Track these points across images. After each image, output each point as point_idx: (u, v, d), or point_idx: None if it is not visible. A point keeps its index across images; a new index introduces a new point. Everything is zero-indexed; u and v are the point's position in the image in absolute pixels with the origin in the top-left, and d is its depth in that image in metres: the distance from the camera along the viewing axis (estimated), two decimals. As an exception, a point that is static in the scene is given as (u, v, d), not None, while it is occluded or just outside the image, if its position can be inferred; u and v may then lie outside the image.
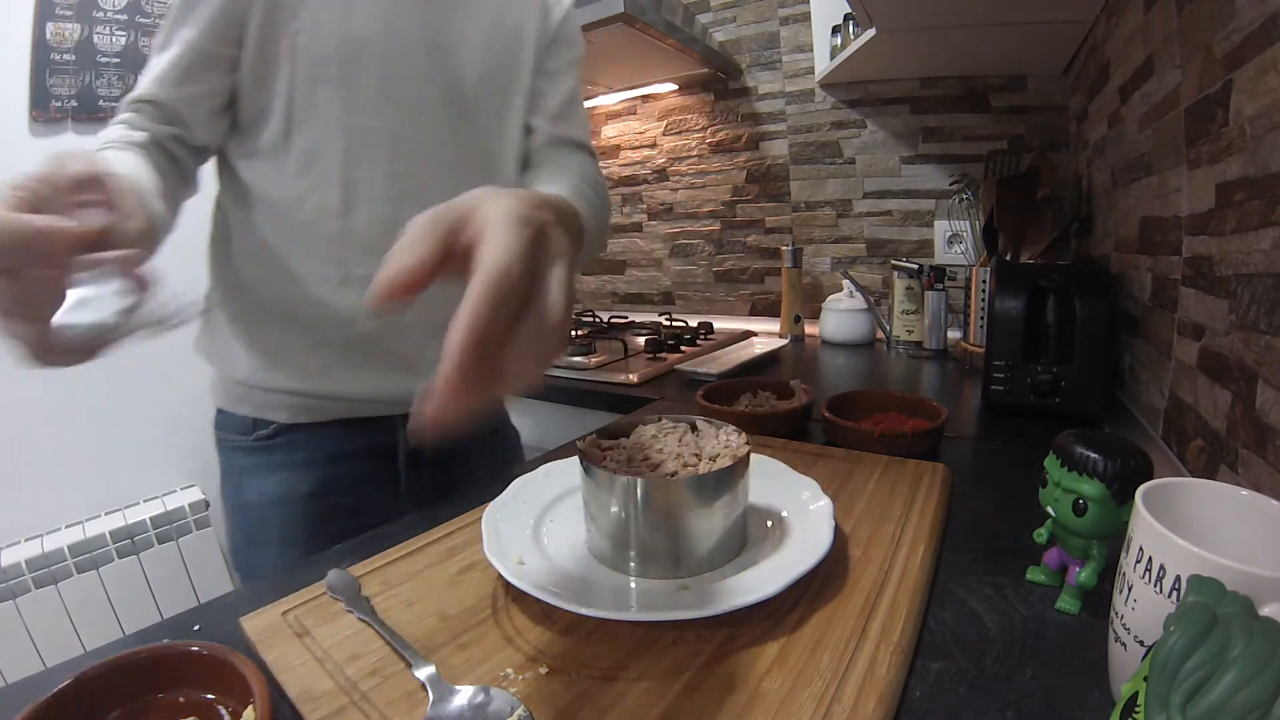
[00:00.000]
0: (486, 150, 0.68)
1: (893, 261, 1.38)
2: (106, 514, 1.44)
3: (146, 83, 0.57)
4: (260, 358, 0.63)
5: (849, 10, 1.20)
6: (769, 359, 1.24)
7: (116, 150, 0.52)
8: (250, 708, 0.31)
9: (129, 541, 1.40)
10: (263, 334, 0.64)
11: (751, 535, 0.46)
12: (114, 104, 1.42)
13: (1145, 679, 0.24)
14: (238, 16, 0.56)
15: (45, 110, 1.33)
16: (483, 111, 0.67)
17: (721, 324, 1.63)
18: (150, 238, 0.49)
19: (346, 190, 0.60)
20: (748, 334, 1.48)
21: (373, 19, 0.59)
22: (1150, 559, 0.29)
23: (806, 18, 1.51)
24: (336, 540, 0.57)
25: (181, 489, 1.55)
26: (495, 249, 0.25)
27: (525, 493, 0.52)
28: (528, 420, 1.31)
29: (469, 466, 0.75)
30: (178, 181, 0.58)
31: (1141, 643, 0.30)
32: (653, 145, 1.82)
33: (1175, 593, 0.28)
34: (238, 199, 0.63)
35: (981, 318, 1.10)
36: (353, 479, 0.67)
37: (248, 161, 0.62)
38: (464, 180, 0.62)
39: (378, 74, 0.60)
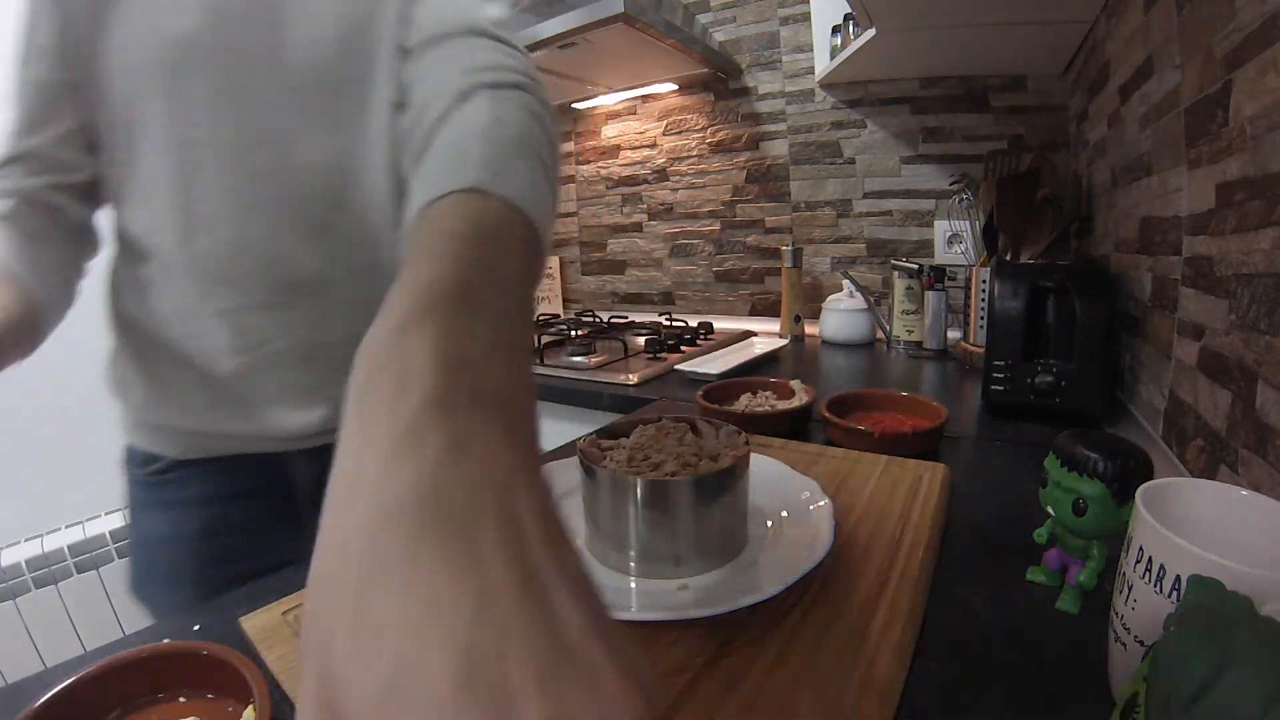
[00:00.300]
0: (344, 148, 0.56)
1: (893, 261, 1.38)
2: (106, 514, 1.44)
3: (6, 141, 0.51)
4: (151, 392, 0.59)
5: (849, 10, 1.20)
6: (769, 359, 1.24)
7: None
8: (250, 708, 0.31)
9: (129, 541, 1.40)
10: (151, 369, 0.59)
11: (751, 535, 0.46)
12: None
13: (1145, 679, 0.24)
14: (69, 37, 0.50)
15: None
16: (338, 101, 0.56)
17: (721, 324, 1.63)
18: (15, 331, 0.46)
19: (185, 214, 0.52)
20: (748, 334, 1.48)
21: (193, 14, 0.50)
22: (1150, 559, 0.29)
23: (806, 18, 1.51)
24: (236, 581, 0.51)
25: (181, 489, 1.55)
26: None
27: (525, 493, 0.52)
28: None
29: None
30: (63, 238, 0.54)
31: (1141, 643, 0.30)
32: (653, 145, 1.82)
33: (1175, 593, 0.28)
34: (112, 234, 0.58)
35: (981, 318, 1.10)
36: (251, 518, 0.62)
37: (90, 205, 0.56)
38: (318, 189, 0.54)
39: (207, 76, 0.51)
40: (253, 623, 0.40)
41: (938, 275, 1.24)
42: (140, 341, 0.58)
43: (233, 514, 0.61)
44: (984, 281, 1.09)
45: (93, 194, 0.56)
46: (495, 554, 0.16)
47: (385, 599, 0.15)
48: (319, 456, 0.61)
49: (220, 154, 0.52)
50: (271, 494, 0.62)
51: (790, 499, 0.49)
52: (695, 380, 1.08)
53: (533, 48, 1.32)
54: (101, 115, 0.52)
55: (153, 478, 0.61)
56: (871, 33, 1.10)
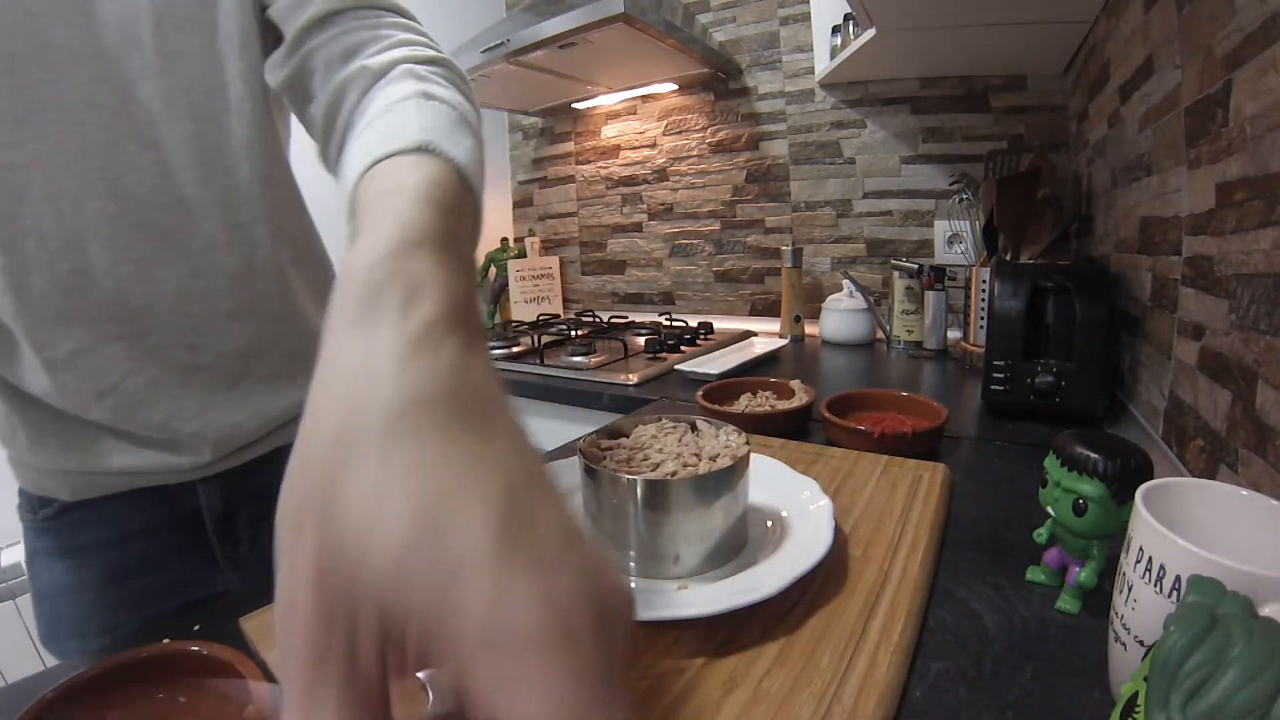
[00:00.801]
0: (202, 146, 0.48)
1: (893, 261, 1.38)
2: (106, 514, 1.44)
3: None
4: (30, 435, 0.51)
5: (849, 10, 1.20)
6: (769, 359, 1.24)
7: None
8: (250, 708, 0.31)
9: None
10: (24, 415, 0.51)
11: (751, 535, 0.46)
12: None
13: (1145, 679, 0.24)
14: None
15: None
16: (180, 92, 0.46)
17: (721, 324, 1.63)
18: None
19: (10, 254, 0.43)
20: (748, 334, 1.48)
21: None
22: (1150, 559, 0.29)
23: (806, 18, 1.51)
24: (151, 627, 0.46)
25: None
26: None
27: (525, 493, 0.52)
28: (528, 420, 1.31)
29: None
30: None
31: (1141, 643, 0.30)
32: (653, 145, 1.82)
33: (1175, 593, 0.28)
34: None
35: (981, 318, 1.10)
36: (156, 556, 0.55)
37: None
38: (164, 189, 0.46)
39: (8, 86, 0.41)
40: (253, 623, 0.40)
41: (938, 275, 1.24)
42: (10, 388, 0.50)
43: (136, 554, 0.55)
44: (984, 281, 1.09)
45: None
46: (509, 443, 0.18)
47: (414, 465, 0.16)
48: (225, 479, 0.56)
49: (38, 177, 0.42)
50: (177, 527, 0.56)
51: (790, 499, 0.49)
52: (695, 380, 1.08)
53: (533, 48, 1.32)
54: None
55: (45, 523, 0.54)
56: (871, 33, 1.10)
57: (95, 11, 0.42)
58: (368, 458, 0.16)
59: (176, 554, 0.56)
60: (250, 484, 0.57)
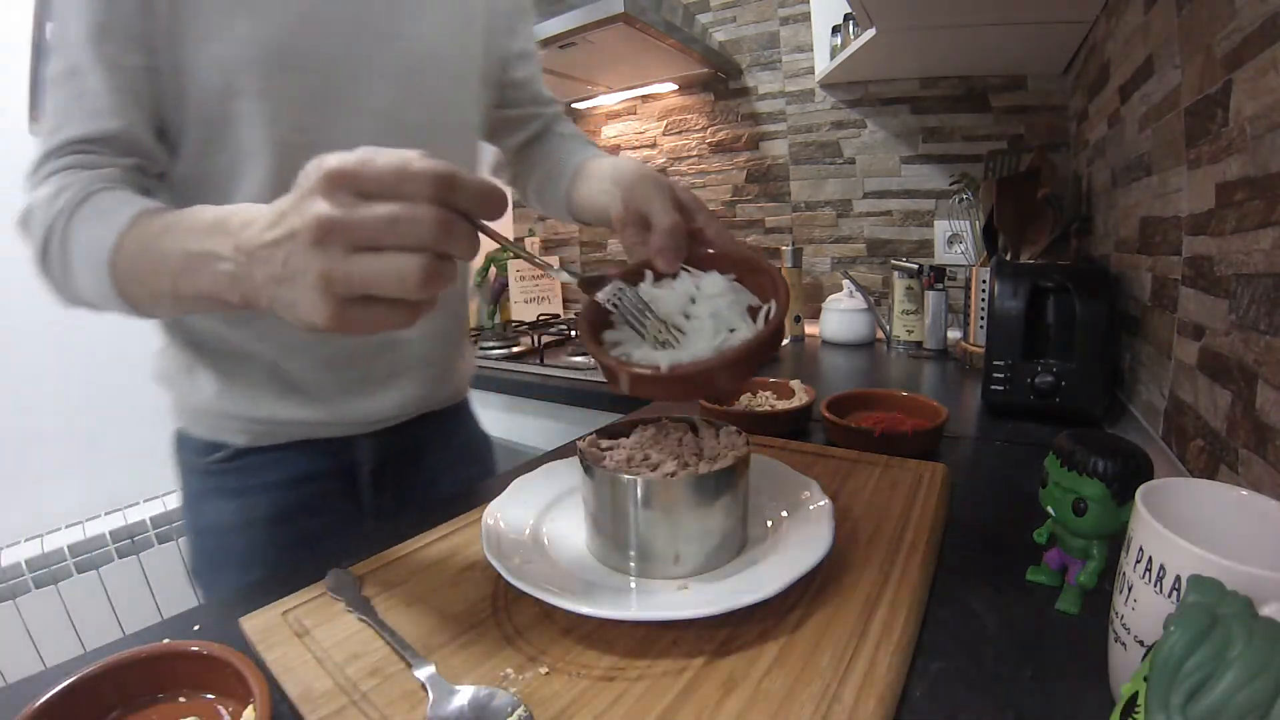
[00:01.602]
0: (439, 153, 0.58)
1: (893, 261, 1.38)
2: (106, 514, 1.44)
3: (79, 118, 0.46)
4: (215, 385, 0.59)
5: (849, 10, 1.20)
6: (769, 359, 1.24)
7: (113, 192, 0.44)
8: (250, 708, 0.31)
9: (129, 541, 1.40)
10: (215, 366, 0.59)
11: (751, 535, 0.46)
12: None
13: (1145, 679, 0.24)
14: (148, 20, 0.47)
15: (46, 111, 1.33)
16: (434, 105, 0.60)
17: (721, 324, 1.63)
18: None
19: None
20: (748, 334, 1.48)
21: (292, 16, 0.50)
22: (1150, 559, 0.29)
23: (806, 18, 1.51)
24: (302, 564, 0.53)
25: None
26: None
27: (525, 493, 0.52)
28: (528, 420, 1.31)
29: (434, 475, 0.72)
30: None
31: (1141, 643, 0.30)
32: (653, 145, 1.82)
33: (1175, 593, 0.28)
34: None
35: (981, 318, 1.10)
36: (316, 501, 0.64)
37: (169, 193, 0.53)
38: None
39: (305, 79, 0.51)
40: (253, 623, 0.40)
41: (938, 275, 1.24)
42: (203, 342, 0.59)
43: (299, 498, 0.63)
44: (984, 281, 1.09)
45: (162, 189, 0.53)
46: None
47: (645, 168, 0.54)
48: (383, 439, 0.66)
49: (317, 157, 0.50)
50: (336, 477, 0.65)
51: (790, 499, 0.49)
52: (695, 380, 1.07)
53: (533, 48, 1.32)
54: (185, 108, 0.50)
55: (215, 466, 0.62)
56: (871, 33, 1.10)
57: (394, 45, 0.57)
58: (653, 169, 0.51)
59: (333, 500, 0.65)
60: (399, 443, 0.67)
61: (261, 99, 0.50)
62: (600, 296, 0.43)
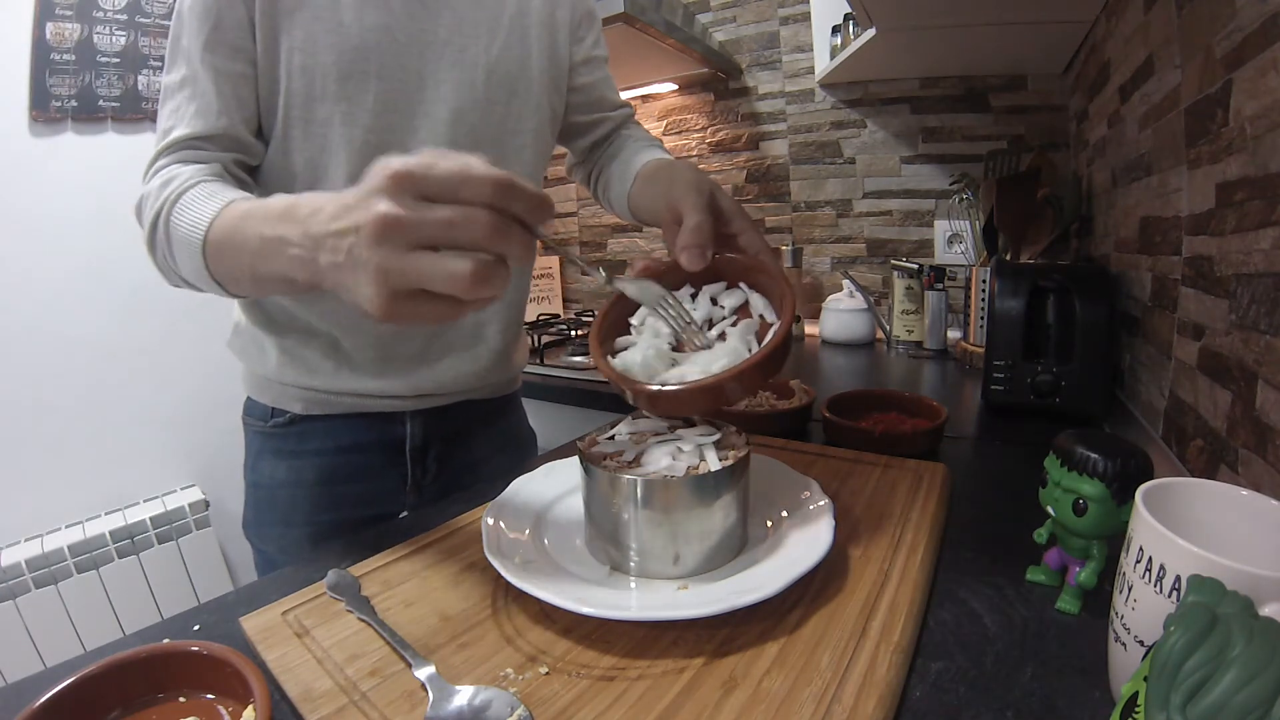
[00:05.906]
0: (503, 158, 0.66)
1: (893, 261, 1.38)
2: (106, 514, 1.44)
3: (190, 118, 0.54)
4: (280, 357, 0.66)
5: (849, 10, 1.20)
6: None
7: (209, 184, 0.50)
8: (250, 708, 0.31)
9: (129, 541, 1.40)
10: (281, 340, 0.66)
11: (751, 535, 0.46)
12: (114, 104, 1.42)
13: (1145, 679, 0.24)
14: (249, 35, 0.55)
15: (45, 110, 1.33)
16: (499, 113, 0.66)
17: (721, 324, 1.63)
18: None
19: None
20: (748, 334, 1.48)
21: (368, 28, 0.57)
22: (1150, 559, 0.29)
23: (806, 18, 1.51)
24: (339, 527, 0.67)
25: (181, 489, 1.55)
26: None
27: (525, 493, 0.52)
28: (528, 420, 1.31)
29: (476, 459, 0.76)
30: None
31: (1141, 643, 0.30)
32: (653, 145, 1.82)
33: (1175, 593, 0.28)
34: None
35: (981, 318, 1.10)
36: (360, 469, 0.69)
37: (262, 188, 0.60)
38: None
39: (379, 85, 0.58)
40: (253, 623, 0.40)
41: (938, 275, 1.24)
42: (272, 318, 0.66)
43: (347, 464, 0.68)
44: (984, 281, 1.09)
45: (255, 181, 0.60)
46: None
47: (701, 176, 0.54)
48: (430, 416, 0.71)
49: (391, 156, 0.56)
50: (382, 449, 0.70)
51: (790, 499, 0.49)
52: (695, 380, 1.07)
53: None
54: (276, 109, 0.57)
55: (275, 430, 0.69)
56: (871, 33, 1.10)
57: (462, 55, 0.62)
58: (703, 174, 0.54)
59: (377, 471, 0.70)
60: (443, 424, 0.72)
61: (339, 103, 0.57)
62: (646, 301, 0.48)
